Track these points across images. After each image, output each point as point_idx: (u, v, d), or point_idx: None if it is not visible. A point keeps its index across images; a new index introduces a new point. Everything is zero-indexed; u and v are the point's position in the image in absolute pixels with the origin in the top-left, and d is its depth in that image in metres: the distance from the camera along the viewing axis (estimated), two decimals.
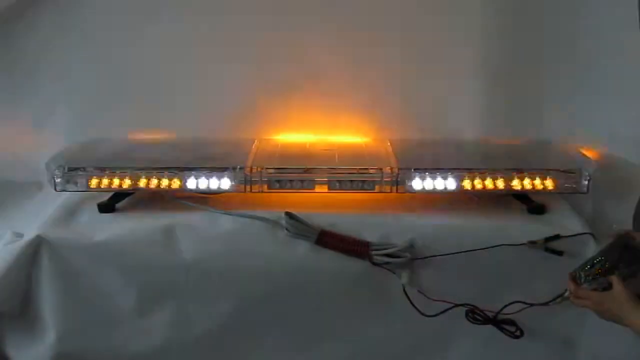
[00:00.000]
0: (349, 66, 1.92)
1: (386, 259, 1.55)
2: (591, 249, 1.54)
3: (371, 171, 1.66)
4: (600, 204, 1.76)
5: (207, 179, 1.67)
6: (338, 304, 1.62)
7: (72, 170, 1.68)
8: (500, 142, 1.95)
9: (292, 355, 1.66)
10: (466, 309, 1.56)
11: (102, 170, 1.68)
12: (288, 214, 1.60)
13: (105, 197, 1.72)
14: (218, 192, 1.69)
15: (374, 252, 1.56)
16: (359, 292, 1.60)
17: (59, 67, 1.94)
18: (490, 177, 1.66)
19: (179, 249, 1.59)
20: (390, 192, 1.66)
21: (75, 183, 1.68)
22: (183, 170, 1.67)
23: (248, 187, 1.66)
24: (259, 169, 1.66)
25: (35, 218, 1.67)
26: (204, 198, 1.71)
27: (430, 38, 1.89)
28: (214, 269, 1.59)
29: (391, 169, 1.65)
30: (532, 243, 1.55)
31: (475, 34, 1.88)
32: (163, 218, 1.64)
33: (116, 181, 1.67)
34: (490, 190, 1.66)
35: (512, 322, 1.55)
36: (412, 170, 1.65)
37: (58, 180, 1.67)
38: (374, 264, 1.56)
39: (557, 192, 1.70)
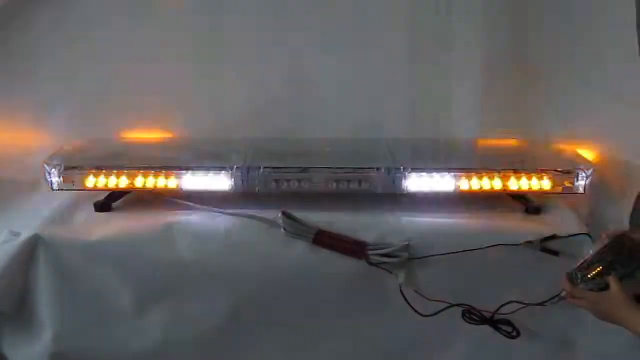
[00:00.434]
0: (347, 66, 1.92)
1: (383, 259, 1.55)
2: (588, 250, 1.53)
3: (368, 171, 1.66)
4: (597, 205, 1.76)
5: (205, 178, 1.67)
6: (335, 304, 1.62)
7: (69, 169, 1.68)
8: (497, 142, 1.95)
9: (290, 354, 1.66)
10: (463, 309, 1.56)
11: (99, 169, 1.67)
12: (285, 213, 1.60)
13: (102, 196, 1.73)
14: (215, 192, 1.69)
15: (370, 252, 1.56)
16: (356, 291, 1.60)
17: (57, 67, 1.93)
18: (488, 178, 1.66)
19: (176, 248, 1.59)
20: (388, 192, 1.66)
21: (72, 182, 1.68)
22: (180, 169, 1.67)
23: (245, 187, 1.66)
24: (256, 169, 1.65)
25: (32, 217, 1.67)
26: (201, 197, 1.70)
27: (428, 38, 1.89)
28: (211, 268, 1.59)
29: (388, 168, 1.65)
30: (529, 243, 1.55)
31: (473, 34, 1.88)
32: (160, 217, 1.64)
33: (113, 180, 1.67)
34: (487, 190, 1.66)
35: (508, 323, 1.56)
36: (410, 170, 1.65)
37: (55, 179, 1.67)
38: (371, 263, 1.56)
39: (554, 193, 1.70)
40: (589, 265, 1.37)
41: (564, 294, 1.41)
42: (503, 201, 1.73)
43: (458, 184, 1.66)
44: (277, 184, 1.66)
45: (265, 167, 1.66)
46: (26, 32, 1.89)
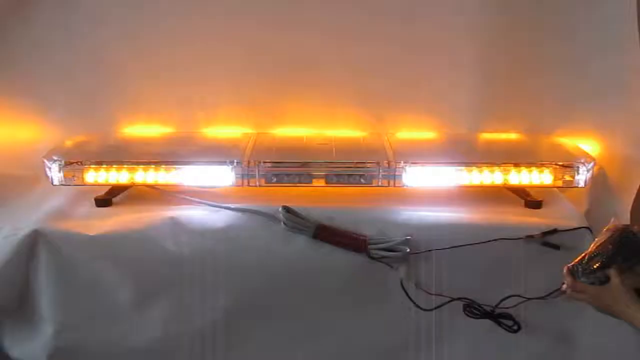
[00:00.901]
0: (346, 61, 1.91)
1: (384, 253, 1.55)
2: (588, 243, 1.52)
3: (368, 165, 1.66)
4: (598, 198, 1.76)
5: (205, 173, 1.67)
6: (335, 298, 1.62)
7: (69, 164, 1.68)
8: (497, 136, 1.95)
9: (290, 348, 1.66)
10: (464, 303, 1.56)
11: (99, 164, 1.67)
12: (285, 208, 1.60)
13: (103, 191, 1.73)
14: (215, 186, 1.69)
15: (371, 246, 1.56)
16: (357, 286, 1.60)
17: (57, 62, 1.92)
18: (488, 171, 1.66)
19: (177, 243, 1.59)
20: (388, 186, 1.67)
21: (73, 177, 1.68)
22: (180, 164, 1.67)
23: (245, 181, 1.66)
24: (256, 163, 1.65)
25: (32, 212, 1.67)
26: (202, 192, 1.70)
27: (428, 33, 1.88)
28: (212, 262, 1.59)
29: (388, 162, 1.65)
30: (530, 237, 1.55)
31: (473, 29, 1.87)
32: (160, 212, 1.64)
33: (113, 175, 1.68)
34: (487, 184, 1.66)
35: (509, 316, 1.56)
36: (410, 164, 1.65)
37: (55, 174, 1.67)
38: (372, 258, 1.56)
39: (555, 186, 1.69)
40: (589, 258, 1.37)
41: (564, 287, 1.41)
42: (503, 195, 1.73)
43: (458, 177, 1.66)
44: (277, 179, 1.66)
45: (265, 162, 1.66)
46: (26, 27, 1.89)
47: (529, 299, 1.53)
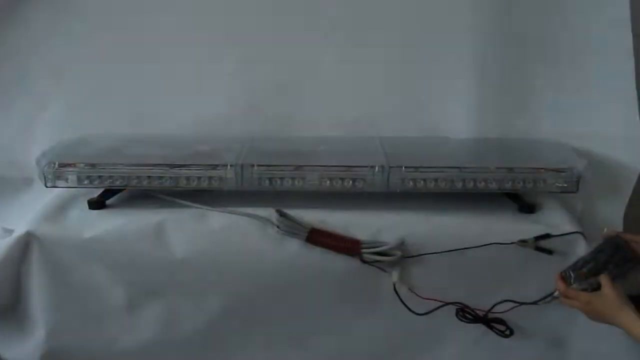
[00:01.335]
0: (341, 65, 1.91)
1: (377, 257, 1.55)
2: (581, 248, 1.54)
3: (362, 169, 1.65)
4: (591, 203, 1.76)
5: (198, 175, 1.66)
6: (328, 302, 1.62)
7: (62, 166, 1.67)
8: (490, 140, 1.94)
9: (282, 352, 1.66)
10: (456, 307, 1.56)
11: (93, 166, 1.67)
12: (278, 211, 1.60)
13: (96, 193, 1.72)
14: (208, 189, 1.68)
15: (364, 250, 1.55)
16: (349, 290, 1.60)
17: (51, 63, 1.92)
18: (481, 176, 1.66)
19: (169, 245, 1.58)
20: (381, 190, 1.66)
21: (66, 179, 1.68)
22: (174, 167, 1.67)
23: (239, 184, 1.66)
24: (249, 166, 1.65)
25: (25, 214, 1.66)
26: (195, 195, 1.70)
27: (423, 37, 1.88)
28: (204, 266, 1.58)
29: (382, 166, 1.65)
30: (522, 242, 1.55)
31: (467, 33, 1.87)
32: (153, 215, 1.63)
33: (107, 178, 1.67)
34: (480, 188, 1.66)
35: (502, 321, 1.56)
36: (403, 168, 1.65)
37: (48, 176, 1.66)
38: (365, 262, 1.56)
39: (548, 191, 1.69)
40: (582, 264, 1.38)
41: (556, 293, 1.41)
42: (497, 199, 1.73)
43: (452, 182, 1.66)
44: (271, 182, 1.66)
45: (258, 165, 1.65)
46: (19, 28, 1.88)
47: (521, 303, 1.52)
